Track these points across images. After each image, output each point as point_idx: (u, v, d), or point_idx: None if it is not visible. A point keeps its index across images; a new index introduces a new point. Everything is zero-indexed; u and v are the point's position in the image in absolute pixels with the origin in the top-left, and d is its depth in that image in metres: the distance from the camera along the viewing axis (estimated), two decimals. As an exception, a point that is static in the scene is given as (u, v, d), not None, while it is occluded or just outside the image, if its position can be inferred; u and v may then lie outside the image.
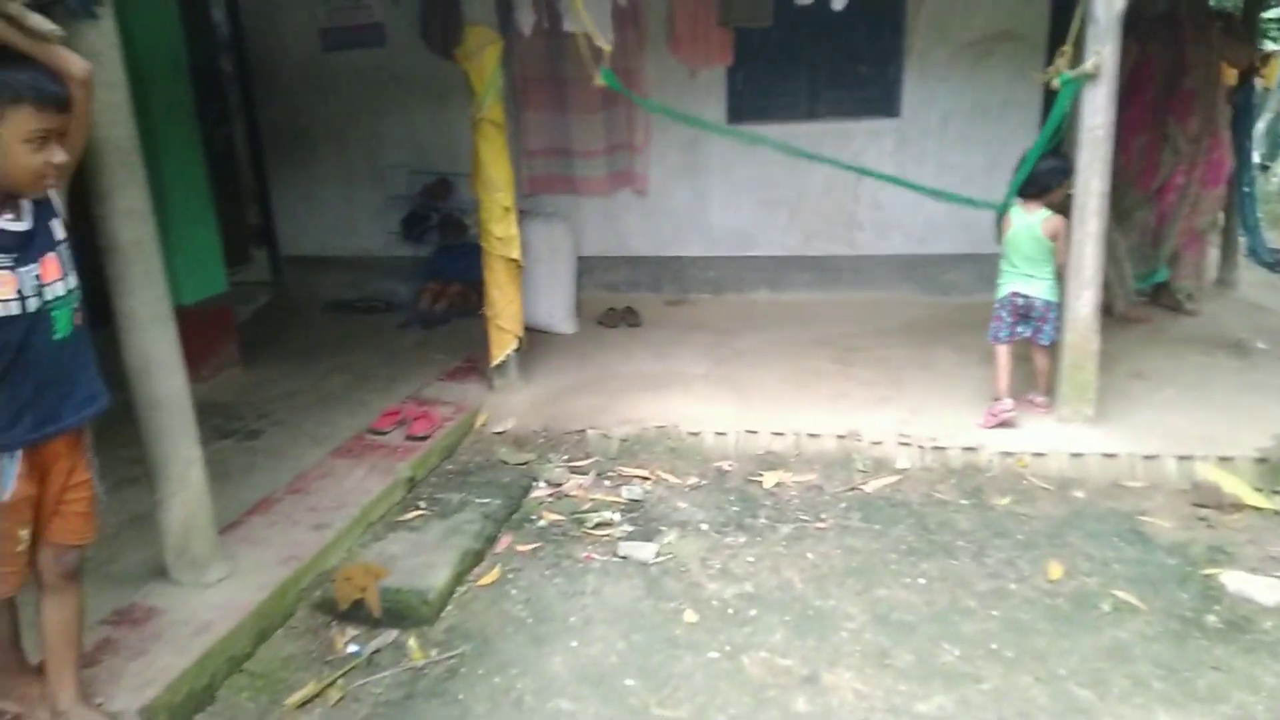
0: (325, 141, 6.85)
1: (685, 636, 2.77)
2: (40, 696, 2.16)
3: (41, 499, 2.02)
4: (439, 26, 5.80)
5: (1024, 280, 3.99)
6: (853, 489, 3.73)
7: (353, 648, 2.76)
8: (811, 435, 4.05)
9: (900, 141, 6.04)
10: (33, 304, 1.89)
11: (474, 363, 5.10)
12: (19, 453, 1.92)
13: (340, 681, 2.59)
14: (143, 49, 4.27)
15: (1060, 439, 3.86)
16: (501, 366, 4.72)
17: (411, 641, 2.78)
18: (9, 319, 1.85)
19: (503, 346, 4.68)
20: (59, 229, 1.98)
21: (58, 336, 1.96)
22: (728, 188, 6.36)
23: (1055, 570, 3.06)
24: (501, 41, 4.31)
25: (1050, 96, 3.96)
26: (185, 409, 2.72)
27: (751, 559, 3.22)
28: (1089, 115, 3.64)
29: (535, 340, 5.28)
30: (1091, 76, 3.58)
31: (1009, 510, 3.51)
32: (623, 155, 6.35)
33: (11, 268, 1.85)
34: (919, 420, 4.14)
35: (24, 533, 1.99)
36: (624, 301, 6.34)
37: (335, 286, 6.97)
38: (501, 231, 4.47)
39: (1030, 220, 3.95)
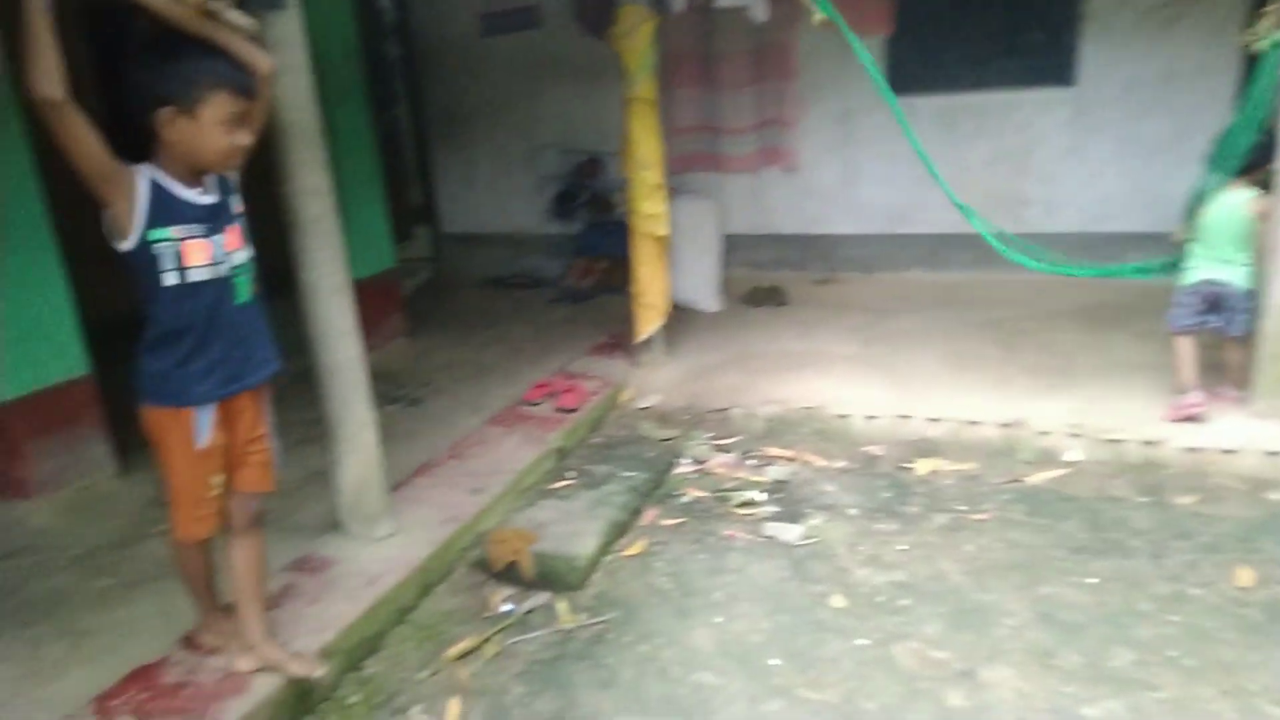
0: (483, 123, 7.10)
1: (833, 621, 2.72)
2: (234, 632, 2.38)
3: (228, 450, 2.21)
4: (592, 7, 5.87)
5: (1220, 266, 3.64)
6: (1015, 480, 3.53)
7: (507, 607, 2.88)
8: (971, 422, 3.86)
9: (1076, 112, 5.62)
10: (222, 270, 2.08)
11: (620, 339, 5.18)
12: (213, 406, 2.11)
13: (496, 638, 2.71)
14: (321, 37, 4.51)
15: (1254, 436, 3.51)
16: (647, 343, 4.77)
17: (561, 605, 2.87)
18: (203, 284, 2.04)
19: (648, 323, 4.71)
20: (237, 203, 2.17)
21: (240, 301, 2.14)
22: (882, 162, 6.12)
23: (1245, 577, 2.79)
24: (655, 20, 4.31)
25: (1249, 62, 3.57)
26: (360, 375, 2.90)
27: (903, 547, 3.11)
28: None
29: (680, 317, 5.29)
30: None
31: (1193, 510, 3.23)
32: (772, 131, 6.23)
33: (204, 236, 2.03)
34: (1091, 410, 3.86)
35: (216, 479, 2.18)
36: (770, 280, 6.25)
37: (490, 262, 7.25)
38: (650, 209, 4.50)
39: (1233, 200, 3.58)
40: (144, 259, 1.97)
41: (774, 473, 3.71)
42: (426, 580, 2.95)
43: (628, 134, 4.43)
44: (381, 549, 2.97)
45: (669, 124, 6.28)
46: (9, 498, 3.41)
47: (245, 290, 2.15)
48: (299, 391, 4.54)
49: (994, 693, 2.37)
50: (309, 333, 2.81)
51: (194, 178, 2.04)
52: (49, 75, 1.72)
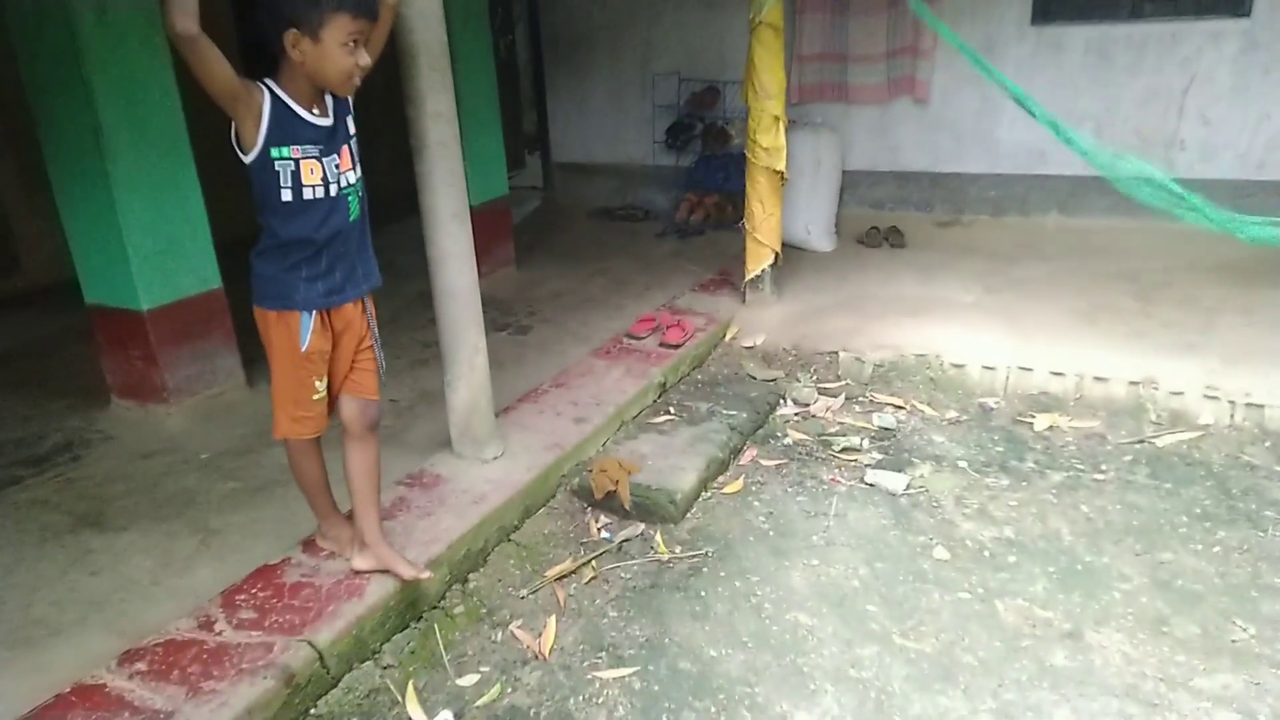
0: (600, 48, 7.00)
1: (934, 572, 2.67)
2: (350, 539, 2.52)
3: (337, 359, 2.32)
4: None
5: None
6: (1141, 441, 3.34)
7: (605, 534, 2.95)
8: (1098, 379, 3.66)
9: (1247, 47, 5.09)
10: (334, 189, 2.16)
11: (727, 275, 5.11)
12: (313, 313, 2.22)
13: (594, 563, 2.78)
14: (446, -40, 4.54)
15: None
16: (755, 281, 4.69)
17: (658, 536, 2.91)
18: (316, 201, 2.13)
19: (759, 261, 4.63)
20: (351, 125, 2.22)
21: (350, 218, 2.22)
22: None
23: (1398, 563, 2.58)
24: (785, -62, 4.11)
25: None
26: (475, 301, 2.96)
27: (1014, 503, 3.01)
28: None
29: (790, 257, 5.17)
30: None
31: (1341, 486, 2.99)
32: (905, 60, 5.90)
33: (318, 157, 2.11)
34: (1231, 372, 3.59)
35: (320, 384, 2.29)
36: (889, 220, 6.02)
37: (599, 194, 7.25)
38: (769, 142, 4.37)
39: None
40: (264, 173, 2.06)
41: (881, 420, 3.63)
42: (530, 502, 3.04)
43: (751, 62, 4.29)
44: (488, 470, 3.07)
45: (795, 51, 6.06)
46: (147, 402, 3.67)
47: (355, 208, 2.23)
48: (415, 314, 4.70)
49: (1100, 655, 2.29)
50: (429, 256, 2.87)
51: (315, 99, 2.10)
52: (185, 12, 1.79)
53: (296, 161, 2.07)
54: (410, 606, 2.50)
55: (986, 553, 2.75)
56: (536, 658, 2.37)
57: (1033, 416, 3.57)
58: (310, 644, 2.21)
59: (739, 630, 2.45)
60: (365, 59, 2.07)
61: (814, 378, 4.05)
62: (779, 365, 4.20)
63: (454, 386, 3.03)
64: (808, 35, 6.09)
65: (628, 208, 6.99)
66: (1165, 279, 4.66)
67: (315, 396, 2.29)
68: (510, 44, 8.55)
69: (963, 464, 3.28)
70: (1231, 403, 3.41)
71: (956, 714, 2.13)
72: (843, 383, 4.00)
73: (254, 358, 4.00)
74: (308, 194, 2.10)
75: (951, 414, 3.67)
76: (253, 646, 2.19)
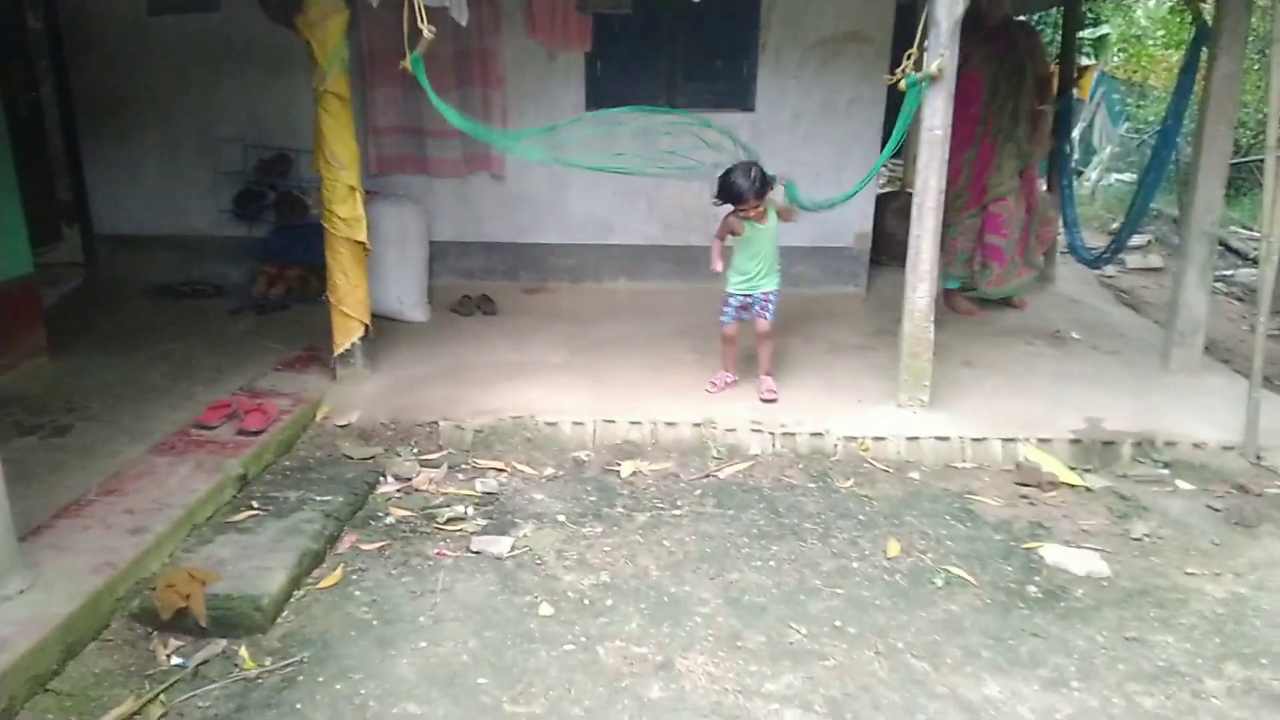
0: (149, 111, 6.28)
1: (540, 630, 2.72)
2: None
3: None
4: (278, -8, 5.43)
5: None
6: (708, 476, 3.78)
7: (177, 660, 2.54)
8: (669, 424, 4.08)
9: (755, 135, 6.12)
10: None
11: (315, 352, 4.82)
12: None
13: (162, 697, 2.37)
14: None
15: (898, 424, 4.06)
16: (346, 355, 4.49)
17: (243, 650, 2.58)
18: None
19: (347, 334, 4.45)
20: None
21: None
22: (587, 175, 6.29)
23: (894, 548, 3.21)
24: (347, 12, 4.08)
25: (894, 98, 4.13)
26: (-29, 402, 2.41)
27: (608, 548, 3.20)
28: (929, 116, 3.82)
29: (384, 329, 5.06)
30: (934, 79, 3.75)
31: (852, 492, 3.65)
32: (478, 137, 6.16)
33: None
34: (770, 407, 4.25)
35: None
36: (480, 289, 6.18)
37: (158, 269, 6.43)
38: (346, 212, 4.24)
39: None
40: None
41: (483, 485, 3.65)
42: (72, 639, 2.51)
43: (319, 131, 4.16)
44: (12, 609, 2.49)
45: (369, 123, 6.01)
46: None
47: None
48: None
49: (689, 680, 2.50)
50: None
51: None
52: None
53: None
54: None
55: (587, 600, 2.88)
56: (85, 832, 1.94)
57: (619, 464, 3.86)
58: None
59: (343, 736, 2.25)
60: None
61: (415, 450, 3.96)
62: (377, 441, 4.04)
63: (-49, 513, 2.43)
64: (380, 107, 6.09)
65: (193, 283, 6.27)
66: (714, 333, 5.37)
67: None
68: (34, 102, 7.30)
69: (561, 517, 3.42)
70: (772, 434, 4.02)
71: (568, 769, 2.16)
72: (445, 452, 3.97)
73: None
74: None
75: (549, 470, 3.82)
76: None
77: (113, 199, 6.49)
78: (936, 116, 3.81)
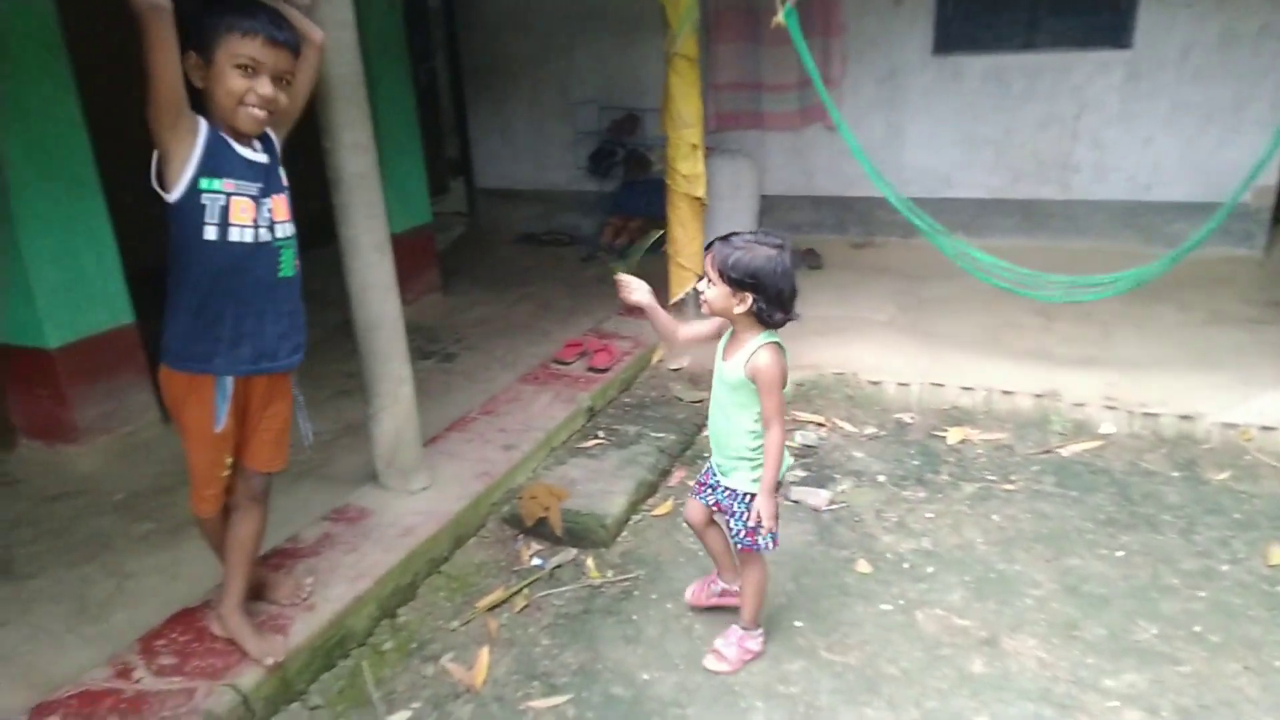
0: (521, 76, 7.05)
1: (857, 585, 2.75)
2: (289, 588, 2.47)
3: (240, 427, 2.14)
4: (635, -42, 5.77)
5: None
6: (1047, 451, 3.51)
7: (536, 561, 2.95)
8: (1005, 392, 3.84)
9: (1130, 76, 5.45)
10: (265, 235, 2.01)
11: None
12: (230, 381, 2.01)
13: (525, 591, 2.78)
14: (362, -12, 4.53)
15: (1297, 414, 3.45)
16: (680, 304, 4.76)
17: (589, 561, 2.92)
18: (243, 245, 1.97)
19: (682, 284, 4.70)
20: (284, 177, 2.10)
21: (282, 275, 2.07)
22: (926, 123, 6.01)
23: (1276, 555, 2.77)
24: (700, -28, 4.23)
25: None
26: (398, 331, 2.94)
27: (931, 515, 3.13)
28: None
29: (715, 279, 5.27)
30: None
31: (1226, 486, 3.20)
32: (815, 89, 6.11)
33: (255, 197, 1.99)
34: (1129, 383, 3.82)
35: (228, 459, 2.14)
36: (806, 242, 6.19)
37: (524, 219, 7.26)
38: (687, 169, 4.46)
39: None
40: (190, 208, 1.92)
41: (803, 437, 3.73)
42: (459, 533, 3.02)
43: (667, 92, 4.38)
44: (416, 501, 3.04)
45: (711, 80, 6.20)
46: (56, 442, 3.52)
47: (288, 264, 2.08)
48: (337, 343, 4.61)
49: (1016, 661, 2.39)
50: (350, 288, 2.85)
51: (241, 136, 2.01)
52: None
53: (228, 196, 1.94)
54: (338, 644, 2.45)
55: (906, 564, 2.85)
56: (469, 691, 2.36)
57: (945, 430, 3.72)
58: (234, 688, 2.16)
59: (671, 653, 2.48)
60: (266, 87, 1.95)
61: (739, 398, 4.13)
62: (705, 385, 4.25)
63: (378, 419, 3.00)
64: (723, 64, 6.25)
65: (552, 233, 7.02)
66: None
67: (223, 473, 2.15)
68: (430, 71, 8.52)
69: (881, 478, 3.39)
70: (1130, 413, 3.62)
71: (882, 723, 2.20)
72: (766, 402, 4.09)
73: (168, 394, 3.88)
74: (234, 234, 1.96)
75: (870, 430, 3.80)
76: (173, 693, 2.12)
77: (490, 156, 7.43)
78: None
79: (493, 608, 2.70)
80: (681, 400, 4.12)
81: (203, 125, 1.94)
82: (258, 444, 2.21)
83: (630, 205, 6.63)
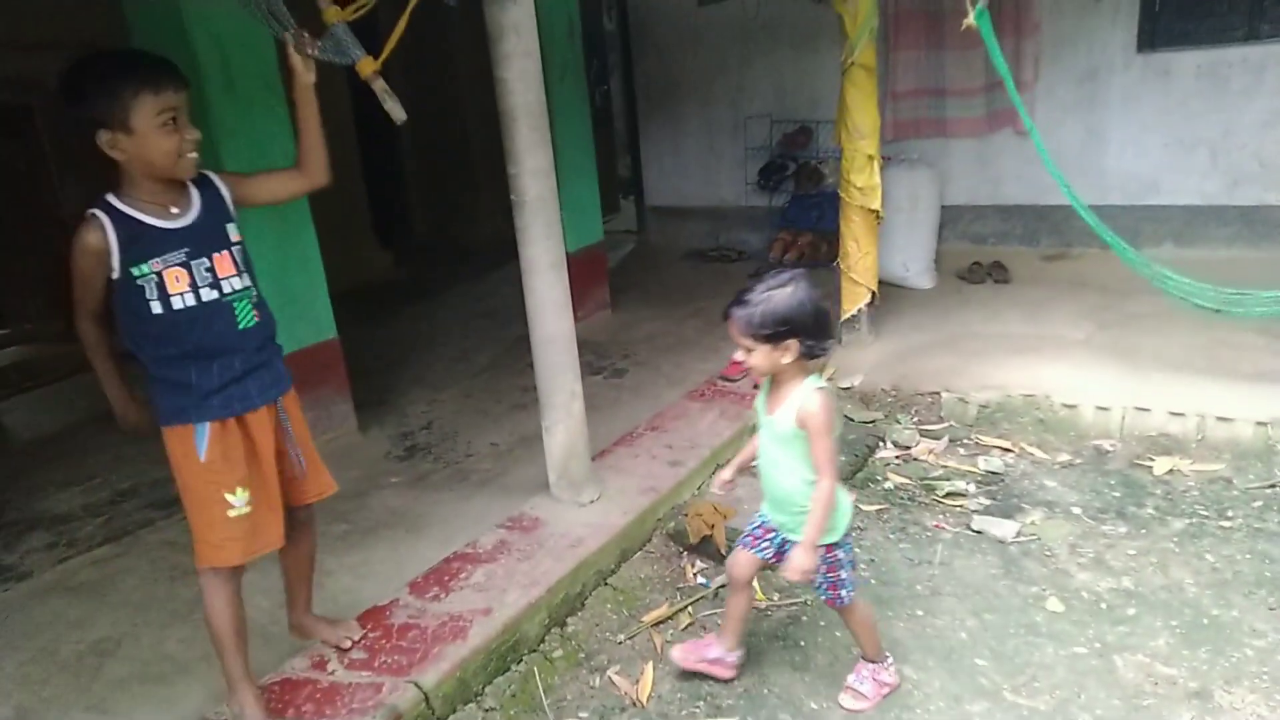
0: (692, 94, 7.13)
1: (1047, 625, 2.55)
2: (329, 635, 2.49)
3: (256, 469, 2.10)
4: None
5: None
6: (1273, 486, 3.13)
7: (701, 580, 2.94)
8: (1221, 419, 3.45)
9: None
10: (207, 294, 1.97)
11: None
12: (207, 424, 1.99)
13: (690, 609, 2.78)
14: (547, 16, 4.73)
15: None
16: (851, 321, 4.63)
17: (755, 583, 2.87)
18: (193, 309, 1.95)
19: (854, 300, 4.57)
20: (234, 232, 2.05)
21: (240, 327, 2.03)
22: (1130, 125, 5.54)
23: None
24: (880, -22, 4.12)
25: None
26: (572, 347, 3.04)
27: (1133, 552, 2.85)
28: None
29: (888, 294, 5.09)
30: None
31: None
32: (1005, 92, 5.78)
33: (184, 263, 1.93)
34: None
35: (234, 496, 2.03)
36: (991, 255, 5.86)
37: (692, 236, 7.32)
38: (863, 181, 4.34)
39: None
40: (130, 289, 1.91)
41: (987, 463, 3.51)
42: (626, 546, 3.06)
43: (843, 103, 4.29)
44: (585, 513, 3.11)
45: (889, 88, 6.02)
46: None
47: (246, 316, 2.05)
48: (515, 357, 4.83)
49: (1231, 717, 2.14)
50: (528, 305, 2.97)
51: (169, 196, 1.95)
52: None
53: (159, 274, 1.91)
54: (511, 649, 2.55)
55: (1104, 604, 2.61)
56: (634, 704, 2.38)
57: (1152, 459, 3.39)
58: (417, 685, 2.28)
59: (840, 682, 2.39)
60: (193, 133, 1.91)
61: (915, 419, 3.96)
62: (877, 406, 4.12)
63: (551, 431, 3.10)
64: (902, 72, 6.05)
65: (720, 249, 7.03)
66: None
67: (231, 513, 2.03)
68: (605, 93, 8.80)
69: (1076, 510, 3.14)
70: (1379, 445, 3.17)
71: (1075, 779, 2.02)
72: (946, 424, 3.89)
73: (364, 403, 4.19)
74: (176, 303, 1.93)
75: (1064, 457, 3.52)
76: (363, 687, 2.28)
77: (660, 174, 7.56)
78: None
79: (658, 623, 2.71)
80: (852, 420, 3.99)
81: (106, 225, 1.87)
82: (286, 480, 2.22)
83: (800, 219, 6.53)
